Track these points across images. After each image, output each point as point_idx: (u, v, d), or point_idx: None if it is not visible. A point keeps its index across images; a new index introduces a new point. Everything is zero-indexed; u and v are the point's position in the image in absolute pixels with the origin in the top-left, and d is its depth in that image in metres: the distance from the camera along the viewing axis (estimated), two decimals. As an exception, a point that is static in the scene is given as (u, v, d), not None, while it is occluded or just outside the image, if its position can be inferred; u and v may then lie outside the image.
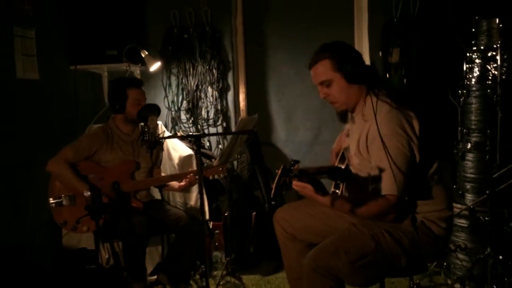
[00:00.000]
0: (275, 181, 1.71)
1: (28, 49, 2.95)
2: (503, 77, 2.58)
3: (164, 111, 3.74)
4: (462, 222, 2.78)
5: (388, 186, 1.78)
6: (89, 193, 2.38)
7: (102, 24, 3.19)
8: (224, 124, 3.79)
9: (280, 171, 1.69)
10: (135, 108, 2.63)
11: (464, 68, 2.80)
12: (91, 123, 3.19)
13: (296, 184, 1.76)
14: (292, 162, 1.69)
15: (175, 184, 2.83)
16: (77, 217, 2.49)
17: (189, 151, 3.31)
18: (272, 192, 1.72)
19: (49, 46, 3.14)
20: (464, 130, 2.81)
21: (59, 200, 2.57)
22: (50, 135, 3.14)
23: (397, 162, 1.76)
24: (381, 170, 1.79)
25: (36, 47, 3.01)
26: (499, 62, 2.58)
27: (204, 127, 3.80)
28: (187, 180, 2.71)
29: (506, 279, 2.49)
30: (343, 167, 2.04)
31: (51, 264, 3.02)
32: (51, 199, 2.58)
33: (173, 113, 3.82)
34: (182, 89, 3.78)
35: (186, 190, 3.12)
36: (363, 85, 1.93)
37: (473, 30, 2.79)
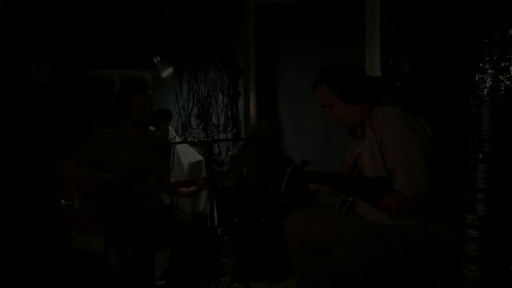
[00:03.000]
0: (285, 179, 1.72)
1: (43, 53, 2.99)
2: (516, 87, 2.57)
3: (174, 117, 3.76)
4: (473, 233, 2.75)
5: (409, 187, 1.80)
6: (109, 174, 2.52)
7: (115, 29, 3.23)
8: (234, 131, 3.80)
9: (290, 169, 1.71)
10: (140, 112, 2.65)
11: (476, 79, 2.79)
12: (102, 127, 3.20)
13: (322, 190, 1.92)
14: (303, 162, 1.71)
15: (183, 189, 2.84)
16: (88, 220, 2.52)
17: (199, 157, 3.32)
18: (282, 190, 1.73)
19: (63, 50, 3.18)
20: (476, 140, 2.79)
21: (71, 202, 2.58)
22: (62, 138, 3.16)
23: (417, 164, 1.80)
24: (400, 173, 1.80)
25: (50, 51, 3.05)
26: (512, 73, 2.58)
27: (214, 133, 3.82)
28: (197, 186, 2.72)
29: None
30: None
31: (60, 266, 3.02)
32: (62, 200, 2.59)
33: (183, 118, 3.84)
34: (193, 95, 3.81)
35: (194, 196, 3.13)
36: (364, 100, 1.94)
37: (486, 40, 2.78)
